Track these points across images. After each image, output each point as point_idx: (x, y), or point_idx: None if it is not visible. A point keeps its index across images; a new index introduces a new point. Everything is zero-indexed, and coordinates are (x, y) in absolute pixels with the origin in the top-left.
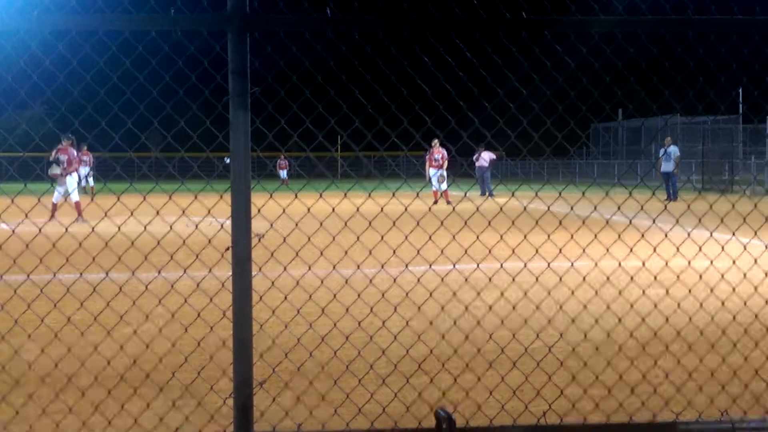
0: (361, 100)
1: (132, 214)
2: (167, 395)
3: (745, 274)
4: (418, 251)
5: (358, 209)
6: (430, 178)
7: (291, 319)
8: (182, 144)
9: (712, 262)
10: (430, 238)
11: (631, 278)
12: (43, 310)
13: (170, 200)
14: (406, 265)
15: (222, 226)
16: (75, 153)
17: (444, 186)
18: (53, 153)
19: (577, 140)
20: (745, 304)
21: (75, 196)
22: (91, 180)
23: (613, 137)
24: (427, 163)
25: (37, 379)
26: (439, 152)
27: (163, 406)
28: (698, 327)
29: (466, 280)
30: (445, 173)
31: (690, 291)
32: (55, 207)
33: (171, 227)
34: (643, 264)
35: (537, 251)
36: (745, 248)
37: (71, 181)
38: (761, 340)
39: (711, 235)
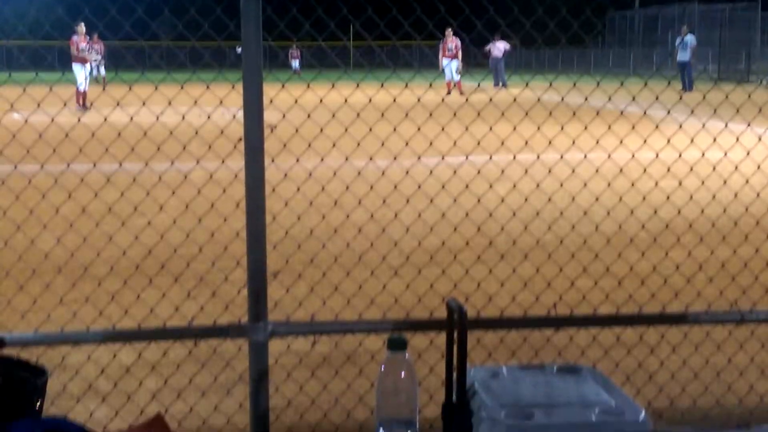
0: None
1: (144, 104)
2: (182, 285)
3: (759, 166)
4: (431, 143)
5: (370, 100)
6: (443, 68)
7: (304, 210)
8: (193, 33)
9: (726, 153)
10: (442, 129)
11: (644, 170)
12: (58, 200)
13: (182, 90)
14: (419, 157)
15: (234, 116)
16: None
17: (458, 76)
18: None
19: (592, 29)
20: (758, 195)
21: (85, 85)
22: (102, 69)
23: (629, 26)
24: (441, 53)
25: (53, 268)
26: (453, 41)
27: (178, 295)
28: (710, 218)
29: (478, 171)
30: (460, 64)
31: (703, 182)
32: (85, 94)
33: (183, 117)
34: (657, 155)
35: (550, 143)
36: (760, 139)
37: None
38: None
39: (726, 126)
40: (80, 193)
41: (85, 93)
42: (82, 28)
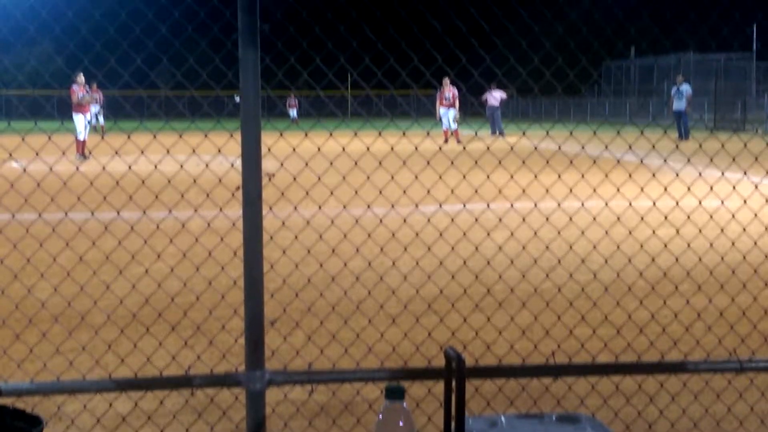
0: (371, 38)
1: (142, 152)
2: (179, 334)
3: (756, 214)
4: (429, 191)
5: (368, 148)
6: (440, 117)
7: (302, 258)
8: (192, 82)
9: (723, 202)
10: (440, 177)
11: (642, 218)
12: (56, 249)
13: (180, 139)
14: (416, 205)
15: (232, 165)
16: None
17: (455, 125)
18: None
19: (588, 78)
20: (755, 243)
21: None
22: (101, 118)
23: (625, 75)
24: (438, 102)
25: (50, 317)
26: (450, 90)
27: (175, 344)
28: (708, 267)
29: (476, 220)
30: (457, 113)
31: (700, 231)
32: (84, 143)
33: (182, 166)
34: (654, 204)
35: (547, 191)
36: (756, 188)
37: (84, 118)
38: None
39: (722, 174)
40: (78, 242)
41: (84, 142)
42: (81, 77)
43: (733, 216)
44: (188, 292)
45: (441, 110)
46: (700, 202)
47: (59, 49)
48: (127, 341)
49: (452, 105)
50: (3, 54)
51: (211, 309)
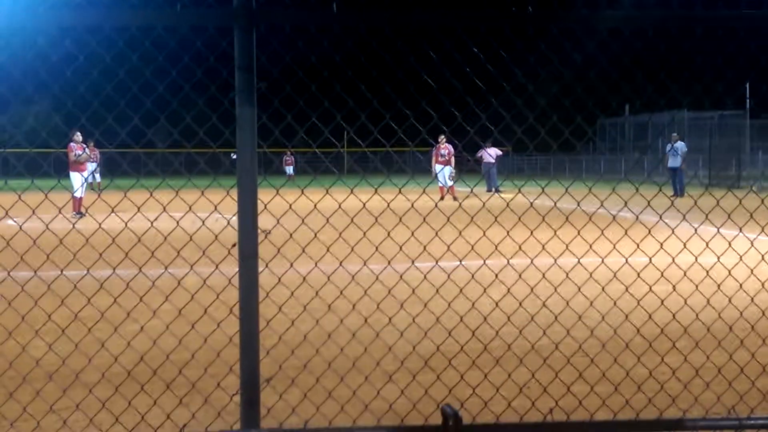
0: (367, 96)
1: (139, 210)
2: (174, 392)
3: (752, 271)
4: (425, 247)
5: (364, 205)
6: (436, 174)
7: (297, 315)
8: (189, 140)
9: (719, 258)
10: (436, 234)
11: (638, 274)
12: (50, 307)
13: (177, 196)
14: (413, 262)
15: (228, 222)
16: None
17: (451, 182)
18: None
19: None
20: (752, 300)
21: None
22: (97, 176)
23: (620, 132)
24: (434, 159)
25: (44, 375)
26: (445, 148)
27: (170, 402)
28: (705, 323)
29: (472, 276)
30: (453, 170)
31: (697, 287)
32: (81, 201)
33: (177, 223)
34: (650, 260)
35: (543, 247)
36: (752, 244)
37: (82, 175)
38: None
39: (718, 231)
40: (73, 300)
41: (81, 199)
42: (78, 136)
43: (730, 272)
44: (183, 349)
45: (437, 167)
46: (696, 259)
47: (57, 107)
48: (121, 399)
49: (448, 162)
50: (1, 113)
51: (207, 366)
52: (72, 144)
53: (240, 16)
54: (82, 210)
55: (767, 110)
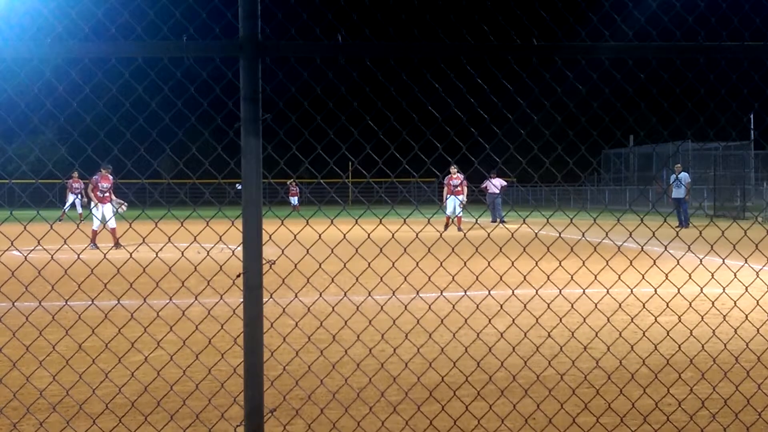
0: (372, 126)
1: (144, 240)
2: (178, 423)
3: (758, 301)
4: (429, 278)
5: (369, 235)
6: (446, 204)
7: (302, 346)
8: (194, 170)
9: (724, 289)
10: (441, 264)
11: (643, 305)
12: (55, 337)
13: (182, 227)
14: (417, 292)
15: (233, 252)
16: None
17: (459, 211)
18: (95, 184)
19: (588, 166)
20: (758, 331)
21: (112, 223)
22: (79, 207)
23: (624, 163)
24: (446, 189)
25: (48, 406)
26: (457, 178)
27: None
28: (711, 354)
29: (477, 306)
30: (465, 199)
31: (702, 318)
32: (95, 234)
33: (182, 254)
34: (655, 291)
35: (548, 278)
36: (757, 275)
37: (110, 208)
38: None
39: (723, 261)
40: (77, 330)
41: (95, 232)
42: (108, 167)
43: (735, 303)
44: (187, 380)
45: (448, 197)
46: (701, 290)
47: (63, 138)
48: (125, 430)
49: (460, 192)
50: (7, 144)
51: (211, 397)
52: (94, 177)
53: (246, 48)
54: (96, 241)
55: None
